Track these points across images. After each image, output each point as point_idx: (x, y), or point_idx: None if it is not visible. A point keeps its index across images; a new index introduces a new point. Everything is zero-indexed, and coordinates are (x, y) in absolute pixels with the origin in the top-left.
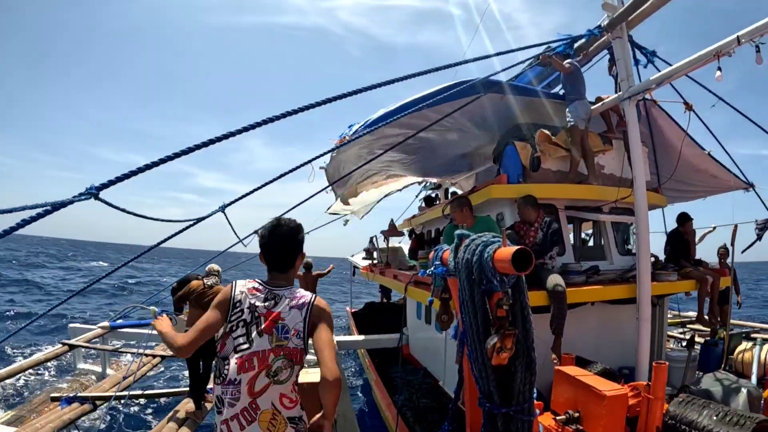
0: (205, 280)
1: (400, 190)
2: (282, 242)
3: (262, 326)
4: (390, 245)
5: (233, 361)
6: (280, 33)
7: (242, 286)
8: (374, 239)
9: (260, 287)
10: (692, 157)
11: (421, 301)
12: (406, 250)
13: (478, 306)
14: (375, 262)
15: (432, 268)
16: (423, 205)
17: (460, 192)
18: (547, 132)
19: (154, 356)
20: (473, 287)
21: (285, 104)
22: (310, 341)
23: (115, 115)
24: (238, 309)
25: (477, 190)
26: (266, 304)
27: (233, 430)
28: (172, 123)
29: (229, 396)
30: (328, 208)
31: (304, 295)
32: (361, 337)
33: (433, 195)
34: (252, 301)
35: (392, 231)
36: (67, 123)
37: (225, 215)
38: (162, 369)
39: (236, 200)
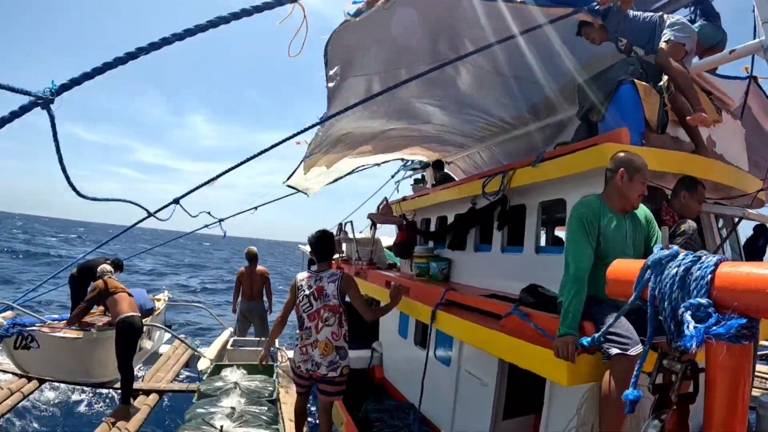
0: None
1: (378, 165)
2: (318, 245)
3: (315, 294)
4: (360, 237)
5: (306, 317)
6: (225, 6)
7: (300, 277)
8: (344, 226)
9: (310, 275)
10: None
11: (455, 335)
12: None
13: None
14: (343, 257)
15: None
16: (429, 181)
17: (452, 175)
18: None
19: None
20: None
21: (227, 81)
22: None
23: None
24: (300, 290)
25: (579, 149)
26: (315, 283)
27: (308, 350)
28: (118, 94)
29: (305, 334)
30: (288, 178)
31: (334, 273)
32: None
33: (419, 176)
34: (308, 283)
35: (386, 215)
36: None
37: (181, 206)
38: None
39: (191, 191)
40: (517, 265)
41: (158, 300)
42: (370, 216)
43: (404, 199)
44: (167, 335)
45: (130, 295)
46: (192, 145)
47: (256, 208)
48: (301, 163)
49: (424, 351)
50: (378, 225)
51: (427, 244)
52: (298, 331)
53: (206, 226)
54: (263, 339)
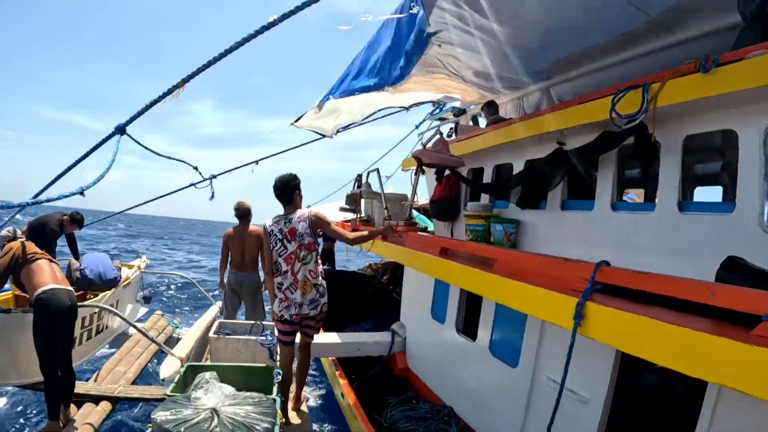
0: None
1: (406, 109)
2: (280, 188)
3: (289, 237)
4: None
5: (282, 261)
6: None
7: (269, 223)
8: (367, 177)
9: (278, 218)
10: None
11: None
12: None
13: None
14: (362, 217)
15: None
16: (480, 116)
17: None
18: None
19: None
20: None
21: (234, 68)
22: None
23: (59, 72)
24: (272, 235)
25: None
26: (286, 225)
27: (288, 294)
28: (119, 82)
29: (283, 278)
30: (297, 120)
31: (303, 213)
32: (328, 339)
33: (453, 125)
34: (279, 227)
35: (443, 153)
36: None
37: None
38: None
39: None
40: (643, 228)
41: (129, 267)
42: (417, 153)
43: (456, 136)
44: (143, 309)
45: (53, 262)
46: (196, 132)
47: (257, 162)
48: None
49: (472, 342)
50: (425, 170)
51: (478, 199)
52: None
53: (193, 185)
54: (258, 323)
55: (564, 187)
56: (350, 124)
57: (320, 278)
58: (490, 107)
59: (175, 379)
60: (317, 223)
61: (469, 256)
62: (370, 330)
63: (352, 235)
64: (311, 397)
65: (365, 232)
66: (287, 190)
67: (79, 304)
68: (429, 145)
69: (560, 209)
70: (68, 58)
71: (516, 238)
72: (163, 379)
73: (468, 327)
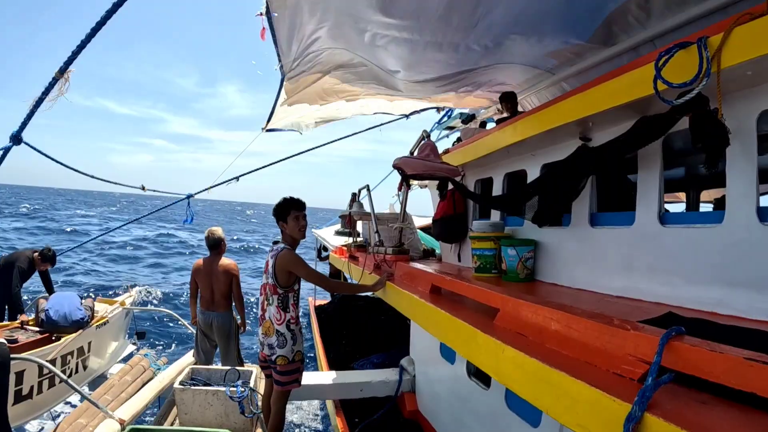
0: None
1: (406, 116)
2: (274, 213)
3: (265, 267)
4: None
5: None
6: None
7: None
8: (359, 196)
9: (273, 245)
10: None
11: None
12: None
13: None
14: (359, 241)
15: None
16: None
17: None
18: None
19: None
20: None
21: (262, 51)
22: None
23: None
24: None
25: None
26: (270, 253)
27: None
28: (147, 68)
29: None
30: (267, 122)
31: (279, 248)
32: (326, 379)
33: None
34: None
35: (430, 159)
36: (32, 67)
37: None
38: None
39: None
40: (707, 248)
41: (110, 303)
42: (399, 163)
43: (446, 151)
44: (131, 346)
45: None
46: (223, 114)
47: (237, 178)
48: (278, 96)
49: (485, 389)
50: (411, 184)
51: (488, 216)
52: None
53: (174, 203)
54: (233, 370)
55: (592, 195)
56: (333, 120)
57: (286, 327)
58: (507, 99)
59: None
60: (283, 265)
61: (470, 300)
62: (379, 365)
63: (332, 283)
64: None
65: (350, 285)
66: (277, 215)
67: (13, 356)
68: (420, 147)
69: (589, 225)
70: (98, 45)
71: (534, 264)
72: None
73: (480, 369)
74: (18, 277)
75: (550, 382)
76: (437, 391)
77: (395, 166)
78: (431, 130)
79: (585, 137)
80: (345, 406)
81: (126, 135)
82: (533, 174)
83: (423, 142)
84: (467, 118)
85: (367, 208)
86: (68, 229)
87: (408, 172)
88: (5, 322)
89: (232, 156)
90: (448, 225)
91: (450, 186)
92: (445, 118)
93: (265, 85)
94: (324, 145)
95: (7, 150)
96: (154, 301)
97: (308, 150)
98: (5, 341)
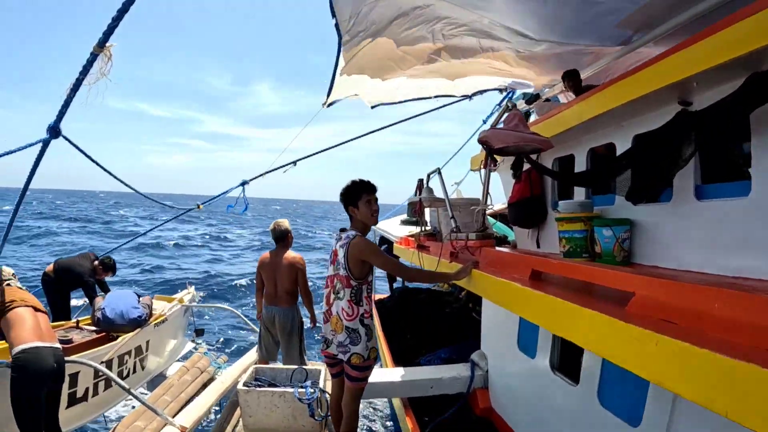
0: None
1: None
2: (341, 198)
3: (332, 258)
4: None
5: (327, 280)
6: None
7: (335, 234)
8: (428, 181)
9: (339, 233)
10: None
11: None
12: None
13: None
14: (427, 230)
15: None
16: (555, 99)
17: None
18: None
19: None
20: None
21: (293, 49)
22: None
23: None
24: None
25: None
26: (337, 242)
27: (323, 320)
28: (181, 69)
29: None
30: (327, 95)
31: (349, 234)
32: (393, 377)
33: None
34: (334, 243)
35: (519, 130)
36: (66, 72)
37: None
38: None
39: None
40: None
41: (169, 300)
42: (485, 135)
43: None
44: (189, 344)
45: (40, 311)
46: (256, 112)
47: (294, 163)
48: (336, 62)
49: (573, 385)
50: (499, 160)
51: (568, 197)
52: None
53: (229, 190)
54: (299, 369)
55: (696, 166)
56: (393, 102)
57: (359, 322)
58: (571, 77)
59: None
60: (356, 254)
61: (580, 285)
62: (447, 359)
63: (412, 272)
64: None
65: (431, 273)
66: (342, 199)
67: (66, 359)
68: (507, 118)
69: (695, 199)
70: (131, 51)
71: (630, 246)
72: None
73: (566, 363)
74: (86, 286)
75: (734, 377)
76: (514, 387)
77: (481, 140)
78: (492, 113)
79: (685, 101)
80: (413, 404)
81: (162, 136)
82: (623, 147)
83: (507, 114)
84: (531, 98)
85: (436, 194)
86: (125, 231)
87: (496, 145)
88: (60, 322)
89: (269, 153)
90: (526, 208)
91: (525, 166)
92: (507, 100)
93: (299, 79)
94: (382, 128)
95: (46, 143)
96: (211, 299)
97: (365, 134)
98: (59, 345)
